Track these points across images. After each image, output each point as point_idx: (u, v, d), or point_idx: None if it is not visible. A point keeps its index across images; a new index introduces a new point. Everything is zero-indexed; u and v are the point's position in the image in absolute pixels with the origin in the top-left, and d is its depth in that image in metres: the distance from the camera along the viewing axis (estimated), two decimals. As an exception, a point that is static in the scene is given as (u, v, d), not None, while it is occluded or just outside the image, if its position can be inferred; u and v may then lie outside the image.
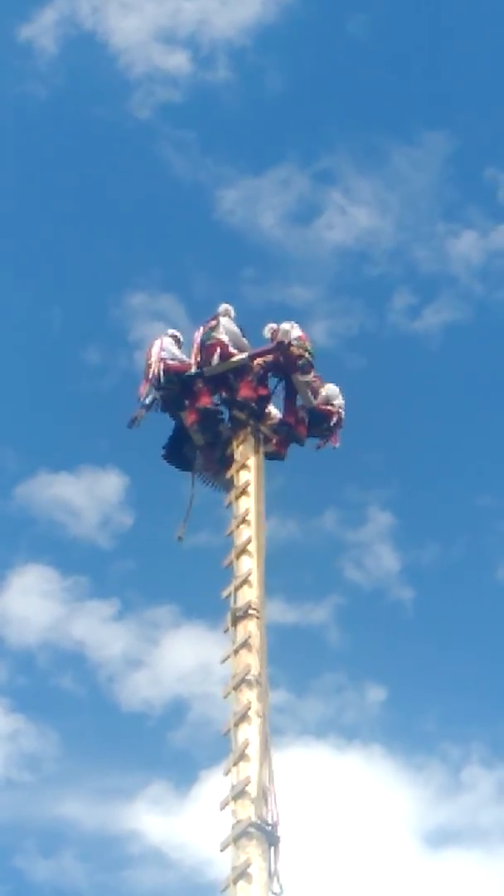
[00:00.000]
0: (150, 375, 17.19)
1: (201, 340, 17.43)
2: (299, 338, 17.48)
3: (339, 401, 18.03)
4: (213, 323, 17.54)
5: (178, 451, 17.53)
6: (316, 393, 17.88)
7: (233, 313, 17.74)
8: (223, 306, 17.78)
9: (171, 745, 36.56)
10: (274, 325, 17.81)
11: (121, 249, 42.49)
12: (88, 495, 38.94)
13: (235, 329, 17.54)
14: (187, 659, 37.34)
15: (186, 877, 33.45)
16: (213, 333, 17.38)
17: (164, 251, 42.33)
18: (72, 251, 42.28)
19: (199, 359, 17.35)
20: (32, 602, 38.17)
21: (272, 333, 17.71)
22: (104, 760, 36.51)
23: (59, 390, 41.15)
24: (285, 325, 17.70)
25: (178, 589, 38.13)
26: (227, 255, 41.77)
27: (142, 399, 17.33)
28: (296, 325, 17.73)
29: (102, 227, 42.71)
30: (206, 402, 17.13)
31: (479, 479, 40.45)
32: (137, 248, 42.54)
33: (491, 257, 41.43)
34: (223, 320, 17.55)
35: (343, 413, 18.02)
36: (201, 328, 17.63)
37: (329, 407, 17.91)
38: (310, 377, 17.70)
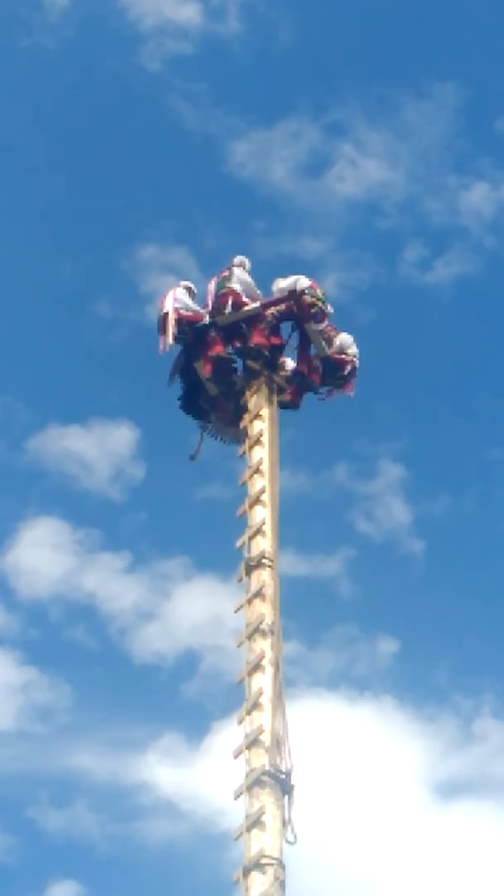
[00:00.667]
0: (166, 326, 17.10)
1: (214, 290, 17.36)
2: (310, 286, 17.39)
3: (353, 350, 17.96)
4: (227, 273, 17.46)
5: (195, 403, 17.46)
6: (330, 342, 17.83)
7: (248, 265, 17.67)
8: (238, 258, 17.70)
9: (183, 697, 36.75)
10: (281, 280, 17.73)
11: (132, 202, 42.45)
12: (99, 448, 38.99)
13: (249, 279, 17.45)
14: (199, 611, 37.48)
15: (198, 827, 33.69)
16: (227, 283, 17.31)
17: (175, 204, 42.25)
18: (82, 204, 42.27)
19: (211, 309, 17.28)
20: (44, 555, 38.30)
21: (278, 287, 17.63)
22: (116, 712, 36.70)
23: (70, 343, 41.17)
24: (293, 277, 17.62)
25: (190, 541, 38.32)
26: (238, 208, 41.72)
27: (161, 350, 17.19)
28: (303, 277, 17.63)
29: (113, 180, 42.64)
30: (219, 350, 17.05)
31: (489, 431, 40.50)
32: (148, 200, 42.50)
33: (502, 209, 41.29)
34: (236, 270, 17.47)
35: (357, 362, 17.97)
36: (214, 278, 17.57)
37: (343, 356, 17.85)
38: (323, 326, 17.65)
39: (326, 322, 17.80)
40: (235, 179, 41.80)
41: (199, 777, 34.49)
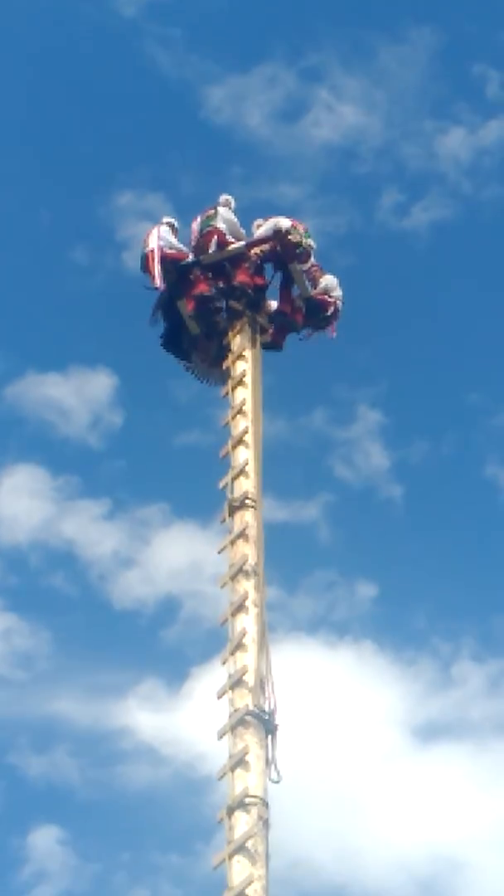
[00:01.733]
0: (152, 265, 16.97)
1: (199, 229, 17.24)
2: (291, 225, 17.27)
3: (337, 292, 17.86)
4: (211, 212, 17.35)
5: (176, 342, 17.36)
6: (315, 283, 17.74)
7: (233, 204, 17.56)
8: (223, 196, 17.60)
9: (163, 643, 36.82)
10: (260, 221, 17.65)
11: (107, 149, 42.10)
12: (77, 395, 38.85)
13: (233, 219, 17.35)
14: (179, 557, 37.49)
15: (179, 772, 33.86)
16: (211, 222, 17.21)
17: (150, 150, 41.95)
18: (57, 151, 41.94)
19: (196, 247, 17.17)
20: (22, 501, 38.19)
21: (257, 228, 17.53)
22: (96, 658, 36.75)
23: (47, 291, 40.93)
24: (274, 219, 17.51)
25: (169, 487, 38.29)
26: (214, 154, 41.41)
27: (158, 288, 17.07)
28: (282, 218, 17.52)
29: (88, 127, 42.25)
30: (203, 289, 16.94)
31: (467, 376, 40.43)
32: (124, 147, 42.19)
33: (479, 154, 41.12)
34: (221, 210, 17.37)
35: (340, 304, 17.88)
36: (199, 216, 17.45)
37: (326, 297, 17.75)
38: (307, 266, 17.58)
39: (312, 261, 17.72)
40: (211, 125, 41.56)
41: (179, 722, 34.69)
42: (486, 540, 38.08)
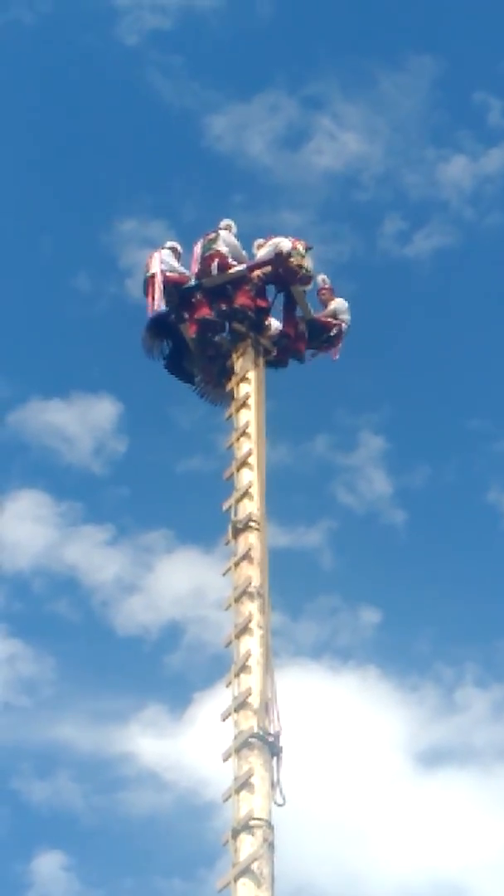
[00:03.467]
0: (153, 289, 17.03)
1: (200, 253, 17.28)
2: (292, 247, 17.27)
3: (345, 316, 17.93)
4: (213, 236, 17.39)
5: (180, 365, 17.39)
6: (325, 305, 17.88)
7: (234, 228, 17.61)
8: (225, 221, 17.66)
9: (166, 669, 36.80)
10: (261, 241, 17.69)
11: (110, 176, 42.34)
12: (81, 422, 38.97)
13: (235, 242, 17.41)
14: (182, 582, 37.50)
15: (181, 797, 33.80)
16: (212, 245, 17.24)
17: (153, 178, 42.18)
18: (60, 178, 42.12)
19: (198, 271, 17.20)
20: (26, 527, 38.23)
21: (258, 249, 17.58)
22: (100, 684, 36.78)
23: (50, 318, 41.15)
24: (275, 239, 17.54)
25: (172, 514, 38.35)
26: (216, 181, 41.59)
27: (151, 312, 17.10)
28: (283, 239, 17.54)
29: (92, 155, 42.49)
30: (205, 313, 16.97)
31: (468, 402, 40.54)
32: (127, 175, 42.39)
33: (481, 182, 41.29)
34: (223, 233, 17.42)
35: (345, 326, 17.90)
36: (201, 240, 17.48)
37: (330, 319, 17.79)
38: (321, 286, 17.81)
39: (326, 283, 17.96)
40: (214, 153, 41.77)
41: (181, 747, 34.62)
42: (489, 565, 38.13)
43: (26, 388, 39.61)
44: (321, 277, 18.34)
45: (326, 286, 18.17)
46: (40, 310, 41.16)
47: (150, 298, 17.13)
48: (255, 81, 42.46)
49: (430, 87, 42.01)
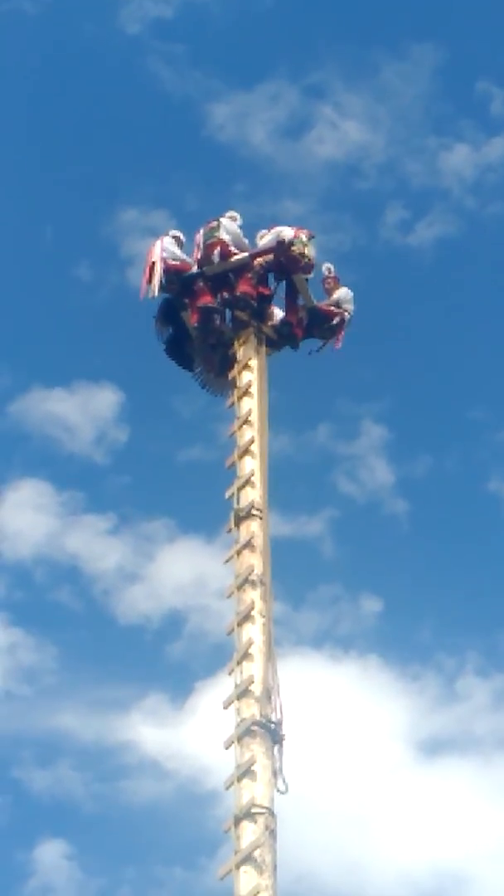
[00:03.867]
0: (152, 275, 17.01)
1: (202, 241, 17.26)
2: (295, 235, 17.24)
3: (349, 305, 17.90)
4: (214, 224, 17.36)
5: (181, 351, 17.37)
6: (329, 293, 17.86)
7: (239, 220, 17.56)
8: (230, 212, 17.63)
9: (167, 658, 36.82)
10: (264, 232, 17.63)
11: (112, 166, 42.38)
12: (83, 411, 38.95)
13: (237, 230, 17.38)
14: (183, 571, 37.50)
15: (182, 786, 33.85)
16: (214, 234, 17.22)
17: (155, 167, 42.15)
18: (61, 168, 42.12)
19: (199, 259, 17.18)
20: (27, 516, 38.23)
21: (261, 239, 17.54)
22: (101, 673, 36.80)
23: (52, 307, 41.14)
24: (277, 228, 17.51)
25: (173, 503, 38.35)
26: (218, 170, 41.59)
27: (145, 296, 17.13)
28: (286, 228, 17.50)
29: (93, 144, 42.46)
30: (206, 300, 16.94)
31: (470, 391, 40.51)
32: (128, 164, 42.38)
33: (483, 171, 41.23)
34: (224, 221, 17.39)
35: (347, 315, 17.87)
36: (202, 229, 17.45)
37: (332, 308, 17.77)
38: (326, 275, 17.79)
39: (331, 272, 17.97)
40: (215, 142, 41.74)
41: (182, 736, 34.66)
42: (491, 555, 38.11)
43: (28, 377, 39.66)
44: (326, 266, 18.31)
45: (331, 275, 18.14)
46: (42, 299, 41.22)
47: (144, 282, 17.11)
48: (256, 70, 42.50)
49: (431, 76, 42.03)
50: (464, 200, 41.26)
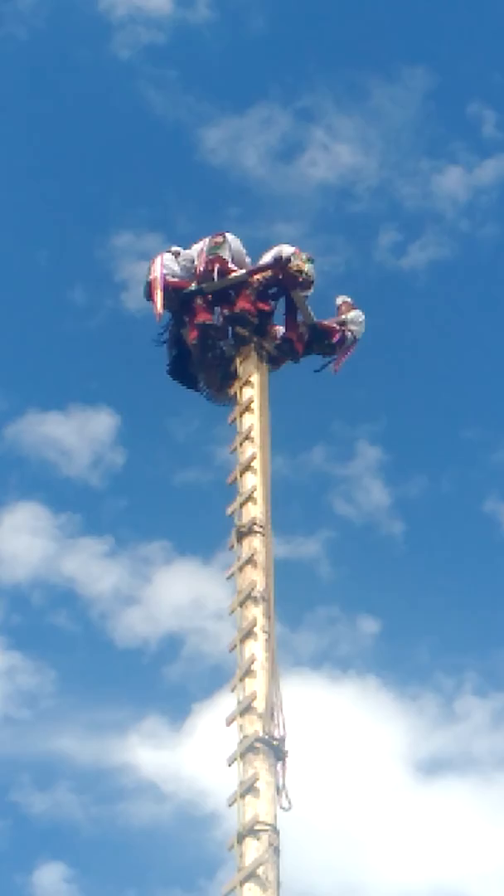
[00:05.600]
0: (153, 293, 17.05)
1: (206, 254, 17.24)
2: (294, 253, 17.26)
3: (356, 327, 17.84)
4: (220, 239, 17.34)
5: (183, 369, 17.38)
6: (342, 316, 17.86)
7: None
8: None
9: (165, 680, 36.81)
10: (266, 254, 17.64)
11: (106, 190, 42.41)
12: (79, 434, 38.96)
13: (241, 247, 17.40)
14: (181, 594, 37.50)
15: (181, 808, 33.80)
16: (217, 250, 17.20)
17: (148, 191, 42.25)
18: (56, 192, 42.21)
19: (199, 274, 17.17)
20: (24, 539, 38.21)
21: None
22: (99, 696, 36.78)
23: (47, 330, 41.14)
24: (277, 247, 17.51)
25: (170, 525, 38.38)
26: (211, 194, 41.63)
27: (158, 318, 17.21)
28: (286, 245, 17.51)
29: (87, 168, 42.56)
30: (205, 317, 16.94)
31: (465, 412, 40.62)
32: (122, 188, 42.44)
33: (476, 193, 41.29)
34: (229, 236, 17.39)
35: (350, 335, 17.81)
36: (207, 239, 17.43)
37: (333, 325, 17.76)
38: (310, 292, 17.56)
39: (344, 298, 17.97)
40: (208, 166, 41.80)
41: (180, 758, 34.63)
42: (487, 574, 38.16)
43: (24, 401, 39.65)
44: (340, 298, 18.23)
45: (347, 302, 18.07)
46: (37, 322, 41.23)
47: (153, 302, 17.14)
48: (248, 94, 42.62)
49: (423, 99, 42.14)
50: (457, 223, 41.41)
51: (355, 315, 17.98)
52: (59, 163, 42.28)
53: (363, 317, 18.04)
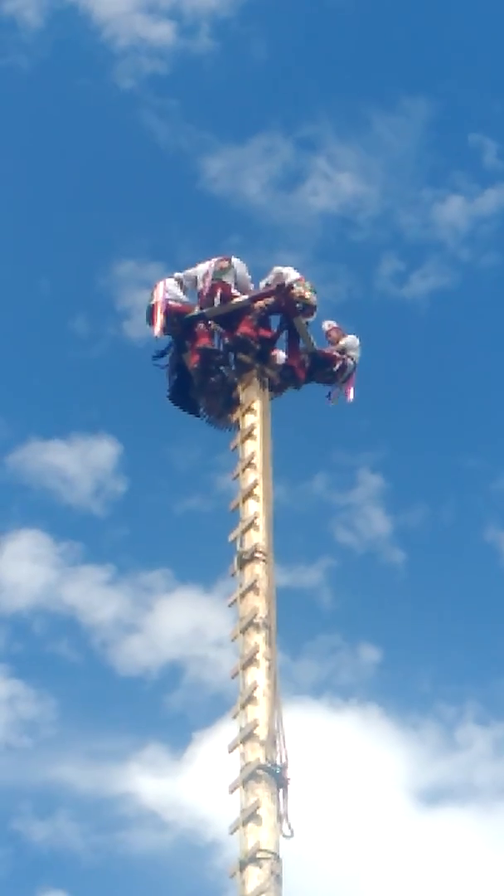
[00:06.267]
0: (155, 316, 17.09)
1: (211, 277, 17.23)
2: (298, 280, 17.30)
3: (354, 352, 17.91)
4: (226, 264, 17.34)
5: (185, 395, 17.39)
6: (336, 343, 17.89)
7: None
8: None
9: (167, 708, 36.74)
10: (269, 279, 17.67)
11: (107, 218, 42.47)
12: (81, 462, 38.97)
13: (245, 273, 17.41)
14: (182, 622, 37.48)
15: (181, 837, 33.69)
16: (221, 276, 17.20)
17: (150, 220, 42.31)
18: (58, 221, 42.29)
19: (202, 299, 17.19)
20: (25, 567, 38.20)
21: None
22: (100, 724, 36.71)
23: (49, 359, 41.13)
24: (277, 268, 17.59)
25: (172, 554, 38.37)
26: (213, 223, 41.62)
27: (155, 336, 17.23)
28: (292, 270, 17.56)
29: (88, 197, 42.67)
30: (206, 342, 16.96)
31: (466, 441, 40.65)
32: (124, 217, 42.55)
33: (477, 223, 41.40)
34: (235, 261, 17.38)
35: (350, 362, 17.86)
36: (213, 261, 17.42)
37: (334, 353, 17.79)
38: (312, 318, 17.63)
39: (332, 324, 18.00)
40: (210, 195, 41.94)
41: (181, 787, 34.56)
42: (489, 603, 38.08)
43: (26, 429, 39.69)
44: (326, 323, 18.28)
45: (333, 327, 18.13)
46: (39, 351, 41.24)
47: (153, 324, 17.18)
48: (250, 124, 42.81)
49: (424, 129, 42.34)
50: (458, 252, 41.49)
51: (351, 340, 18.02)
52: (61, 191, 42.53)
53: (358, 341, 18.10)
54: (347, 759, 34.07)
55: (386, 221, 42.01)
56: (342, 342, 17.91)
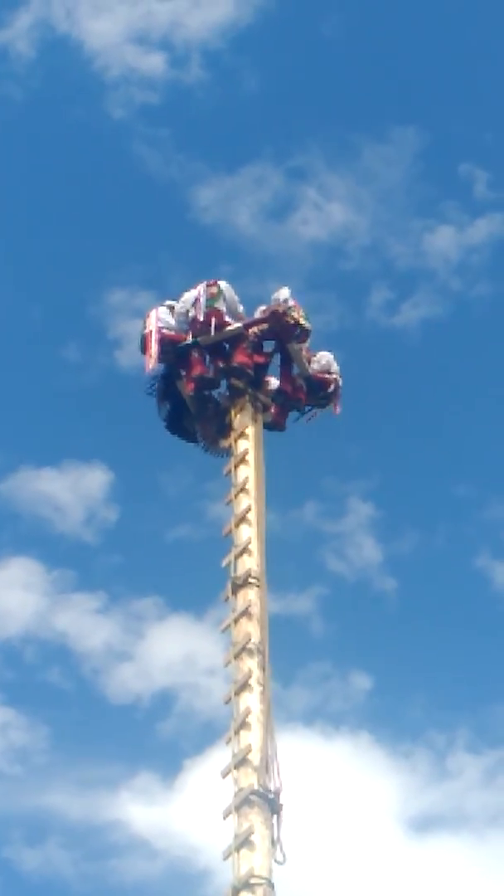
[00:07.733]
0: (148, 346, 17.15)
1: (203, 305, 17.25)
2: (293, 306, 17.39)
3: (335, 367, 17.95)
4: (215, 290, 17.38)
5: (179, 423, 17.46)
6: (309, 361, 17.82)
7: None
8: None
9: (158, 736, 36.63)
10: (264, 307, 17.66)
11: (99, 247, 42.51)
12: (73, 490, 38.96)
13: (234, 295, 17.46)
14: (173, 650, 37.41)
15: (172, 865, 33.55)
16: (213, 303, 17.24)
17: (141, 249, 42.34)
18: (50, 250, 42.36)
19: (197, 325, 17.21)
20: (17, 595, 38.15)
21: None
22: (91, 752, 36.51)
23: (41, 387, 41.20)
24: (276, 294, 17.65)
25: (163, 581, 38.33)
26: (203, 252, 41.69)
27: (148, 368, 17.26)
28: (286, 289, 17.66)
29: (80, 226, 42.77)
30: (201, 370, 17.02)
31: (456, 469, 40.62)
32: (116, 246, 42.57)
33: (468, 252, 41.49)
34: (223, 285, 17.43)
35: (340, 380, 17.95)
36: (203, 288, 17.45)
37: (326, 375, 17.85)
38: (304, 345, 17.67)
39: (306, 344, 17.86)
40: (201, 224, 42.02)
41: (172, 815, 34.45)
42: (479, 631, 38.06)
43: (17, 457, 39.62)
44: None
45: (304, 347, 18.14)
46: (31, 379, 41.28)
47: (147, 355, 17.23)
48: (241, 154, 42.91)
49: (413, 159, 42.41)
50: (449, 282, 41.59)
51: (328, 357, 18.02)
52: (52, 220, 42.62)
53: (331, 354, 18.09)
54: (339, 786, 34.00)
55: (376, 251, 42.15)
56: (323, 361, 17.89)
